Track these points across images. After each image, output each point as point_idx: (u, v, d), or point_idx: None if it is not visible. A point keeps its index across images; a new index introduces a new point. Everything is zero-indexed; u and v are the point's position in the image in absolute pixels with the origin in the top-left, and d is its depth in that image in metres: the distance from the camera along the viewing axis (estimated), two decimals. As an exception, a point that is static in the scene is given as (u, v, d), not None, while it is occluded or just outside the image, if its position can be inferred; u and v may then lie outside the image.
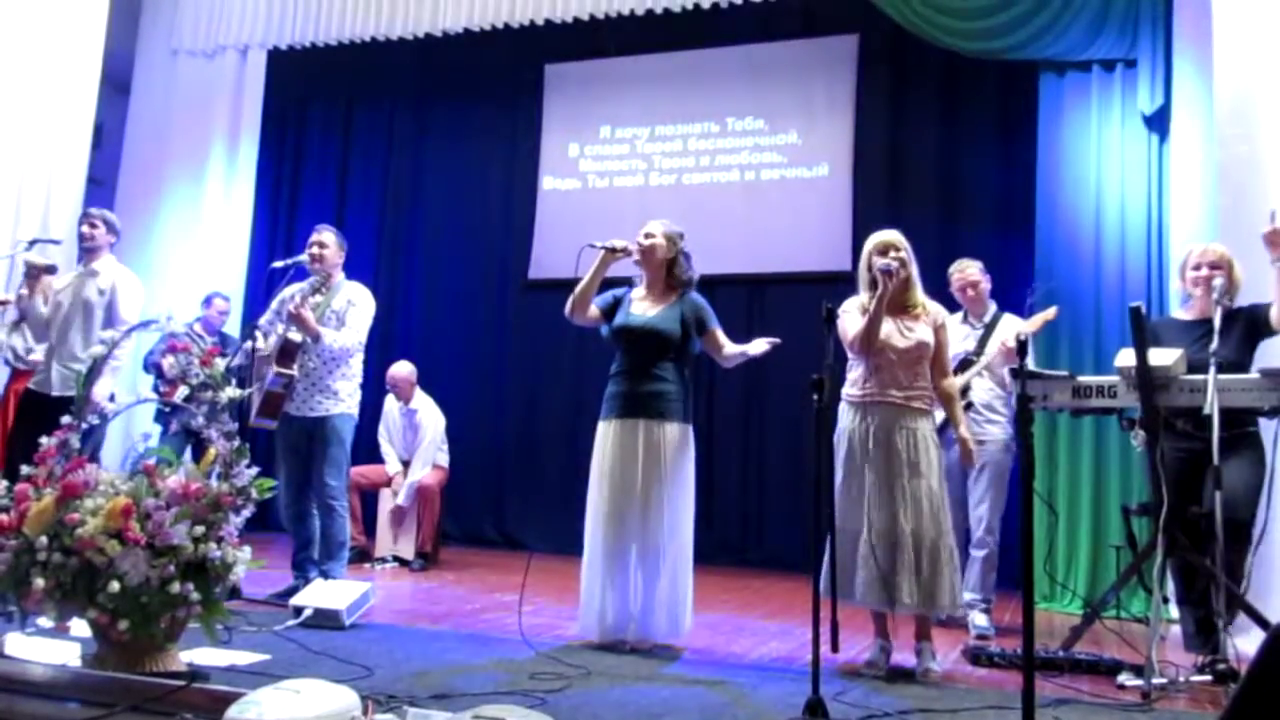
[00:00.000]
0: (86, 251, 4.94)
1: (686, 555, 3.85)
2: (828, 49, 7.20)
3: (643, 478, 3.78)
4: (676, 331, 3.90)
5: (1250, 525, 3.56)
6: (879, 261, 3.59)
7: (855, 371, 3.70)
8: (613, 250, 3.95)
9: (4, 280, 5.89)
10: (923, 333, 3.63)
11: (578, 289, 3.94)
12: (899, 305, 3.66)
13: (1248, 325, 3.80)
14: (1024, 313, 4.77)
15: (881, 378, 3.60)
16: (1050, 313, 4.62)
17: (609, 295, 4.04)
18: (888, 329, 3.60)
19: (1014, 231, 6.30)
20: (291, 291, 4.71)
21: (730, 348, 4.01)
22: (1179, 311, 4.11)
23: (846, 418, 3.65)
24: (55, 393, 4.70)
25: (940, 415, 3.79)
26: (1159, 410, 3.64)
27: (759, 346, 3.92)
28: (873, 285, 3.60)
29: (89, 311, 4.80)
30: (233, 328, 6.67)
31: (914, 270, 3.69)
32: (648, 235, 4.01)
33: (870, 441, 3.55)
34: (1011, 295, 5.13)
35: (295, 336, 4.50)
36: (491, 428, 7.62)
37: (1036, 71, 6.03)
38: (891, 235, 3.69)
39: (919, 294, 3.70)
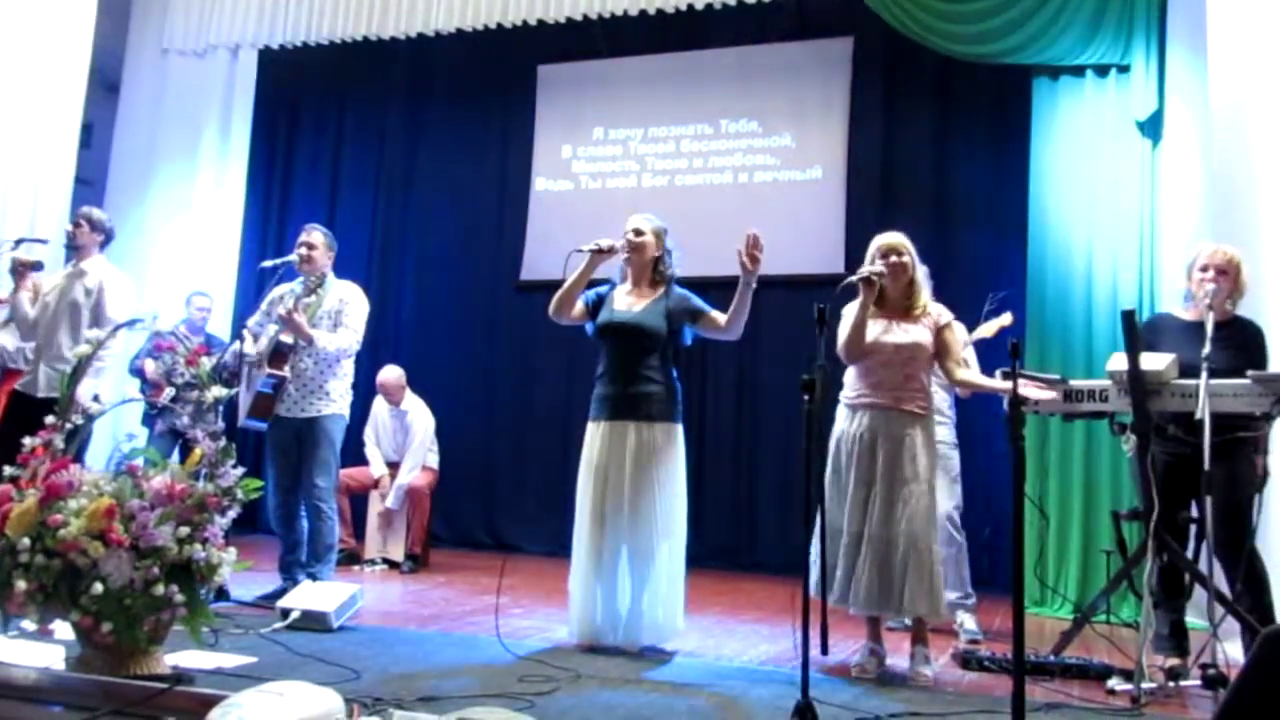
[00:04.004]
0: (73, 251, 4.91)
1: (679, 557, 3.83)
2: (822, 52, 7.19)
3: (632, 479, 3.76)
4: (662, 328, 3.88)
5: (1244, 534, 3.53)
6: (861, 270, 3.58)
7: (850, 374, 3.70)
8: (599, 250, 3.93)
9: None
10: (918, 334, 3.61)
11: (563, 288, 3.92)
12: (899, 307, 3.65)
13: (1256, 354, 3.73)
14: (982, 318, 4.77)
15: (871, 379, 3.61)
16: (1005, 319, 4.61)
17: (592, 293, 4.02)
18: (879, 330, 3.60)
19: (1006, 235, 6.30)
20: (282, 291, 4.68)
21: (723, 317, 3.91)
22: (1179, 309, 4.00)
23: (841, 420, 3.66)
24: (41, 394, 4.65)
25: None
26: (1150, 415, 3.62)
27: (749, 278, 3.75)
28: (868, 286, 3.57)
29: (75, 312, 4.75)
30: (216, 326, 6.62)
31: (917, 273, 3.67)
32: (637, 232, 3.98)
33: (856, 445, 3.56)
34: (1005, 299, 5.10)
35: (288, 338, 4.47)
36: (482, 429, 7.59)
37: (1030, 76, 6.03)
38: (890, 239, 3.68)
39: (922, 297, 3.67)
